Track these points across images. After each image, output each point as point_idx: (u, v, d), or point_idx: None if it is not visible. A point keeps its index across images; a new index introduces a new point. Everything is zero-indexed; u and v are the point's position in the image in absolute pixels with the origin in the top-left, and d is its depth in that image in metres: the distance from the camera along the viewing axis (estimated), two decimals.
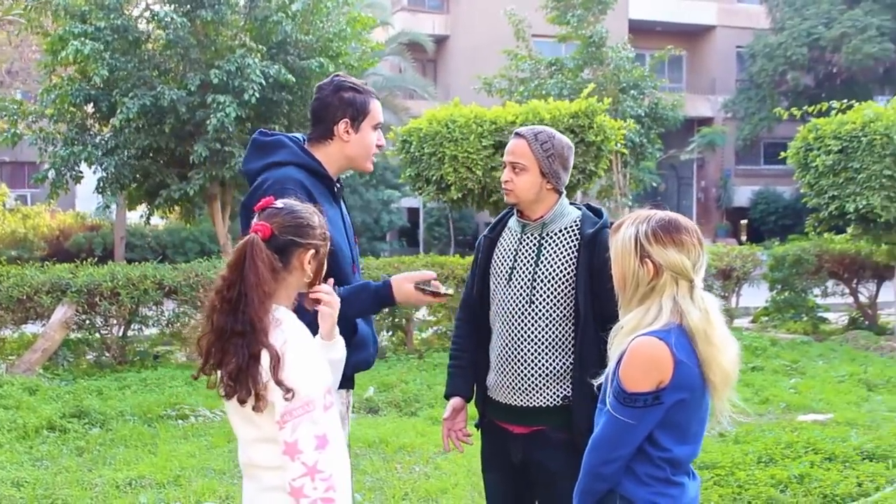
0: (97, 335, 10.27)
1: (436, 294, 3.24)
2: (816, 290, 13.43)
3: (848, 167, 11.68)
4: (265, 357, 2.42)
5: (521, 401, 3.40)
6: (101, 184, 12.85)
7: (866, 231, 12.51)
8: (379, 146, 3.41)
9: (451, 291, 3.32)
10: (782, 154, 13.31)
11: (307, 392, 2.46)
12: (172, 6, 12.12)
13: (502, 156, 10.18)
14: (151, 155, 12.76)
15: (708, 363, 2.56)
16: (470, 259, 11.87)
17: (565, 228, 3.44)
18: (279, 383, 2.41)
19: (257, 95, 11.64)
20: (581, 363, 3.30)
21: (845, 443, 6.61)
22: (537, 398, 3.38)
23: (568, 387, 3.36)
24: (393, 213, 28.74)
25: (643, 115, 18.43)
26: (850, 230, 13.40)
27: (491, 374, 3.52)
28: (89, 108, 13.05)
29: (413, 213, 31.65)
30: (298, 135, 3.42)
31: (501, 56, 20.34)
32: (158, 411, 7.97)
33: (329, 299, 2.72)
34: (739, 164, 35.85)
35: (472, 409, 3.66)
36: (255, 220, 2.58)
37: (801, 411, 7.93)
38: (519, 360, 3.39)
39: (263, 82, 11.66)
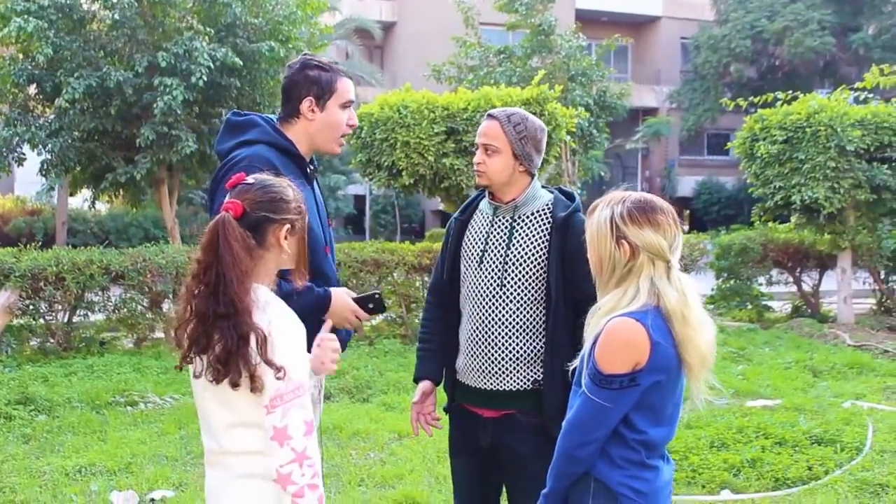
0: (41, 321, 10.03)
1: (369, 310, 3.26)
2: (761, 279, 13.62)
3: (793, 157, 11.87)
4: (254, 338, 2.36)
5: (491, 384, 3.38)
6: (45, 166, 12.57)
7: (810, 221, 12.73)
8: (350, 125, 3.35)
9: (387, 305, 3.33)
10: (728, 144, 13.48)
11: (297, 376, 2.40)
12: None
13: (454, 142, 10.30)
14: (97, 137, 12.51)
15: (684, 344, 2.55)
16: (420, 245, 11.89)
17: (537, 211, 3.41)
18: (269, 363, 2.34)
19: (205, 79, 11.46)
20: (552, 347, 3.29)
21: (794, 428, 6.73)
22: (507, 382, 3.36)
23: (538, 371, 3.34)
24: (339, 200, 28.61)
25: (592, 103, 18.52)
26: (793, 220, 13.64)
27: (460, 358, 3.49)
28: (32, 90, 12.76)
29: (359, 200, 31.52)
30: (272, 115, 3.36)
31: (449, 43, 20.28)
32: (107, 398, 7.83)
33: (333, 367, 2.77)
34: (683, 154, 36.28)
35: (440, 392, 3.64)
36: (226, 198, 2.49)
37: (749, 397, 8.04)
38: (489, 344, 3.37)
39: (211, 65, 11.49)
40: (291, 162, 3.19)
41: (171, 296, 10.35)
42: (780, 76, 30.49)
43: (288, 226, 2.51)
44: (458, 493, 3.63)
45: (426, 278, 11.54)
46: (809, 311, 13.42)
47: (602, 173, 23.53)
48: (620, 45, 22.83)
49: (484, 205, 3.53)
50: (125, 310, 10.22)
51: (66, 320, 10.14)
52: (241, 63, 11.84)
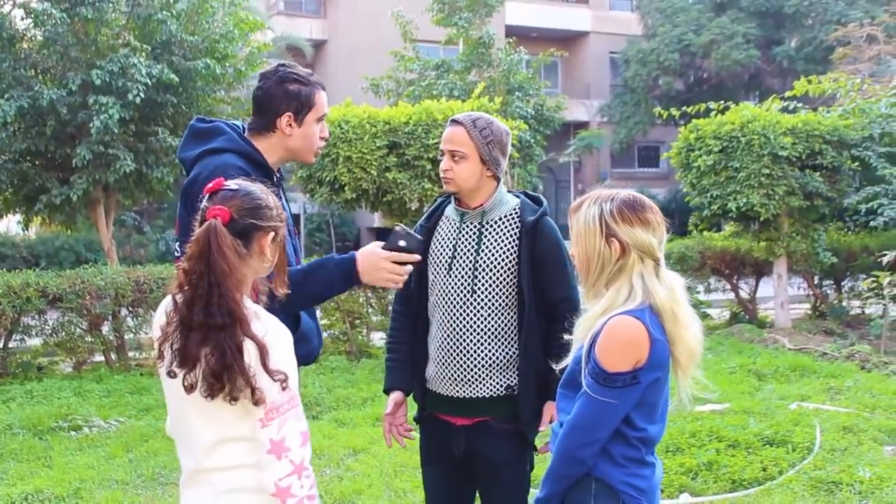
0: None
1: (406, 250, 2.99)
2: (699, 287, 13.78)
3: (728, 166, 12.06)
4: (249, 348, 2.28)
5: (464, 392, 3.35)
6: None
7: (746, 228, 12.96)
8: (322, 138, 3.26)
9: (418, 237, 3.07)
10: (664, 155, 13.66)
11: (292, 385, 2.34)
12: (49, 2, 11.61)
13: (397, 156, 10.26)
14: (29, 158, 12.23)
15: (674, 341, 2.56)
16: None
17: (506, 216, 3.38)
18: (271, 373, 2.27)
19: (142, 96, 11.28)
20: (525, 352, 3.28)
21: (746, 430, 6.82)
22: (480, 388, 3.33)
23: (512, 376, 3.32)
24: None
25: (530, 116, 18.66)
26: (727, 228, 13.87)
27: (430, 366, 3.45)
28: None
29: (294, 219, 31.22)
30: (238, 122, 3.27)
31: (380, 60, 20.31)
32: (49, 423, 7.64)
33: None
34: (615, 167, 36.67)
35: (411, 403, 3.60)
36: (205, 203, 2.40)
37: (698, 402, 8.06)
38: (461, 351, 3.34)
39: (148, 83, 11.31)
40: (259, 172, 3.06)
41: (110, 318, 10.15)
42: (707, 88, 31.01)
43: (272, 233, 2.43)
44: (430, 502, 3.58)
45: (370, 294, 11.48)
46: (747, 317, 13.62)
47: (540, 185, 23.67)
48: (552, 60, 23.05)
49: (450, 211, 3.50)
50: (63, 333, 9.97)
51: (1, 346, 9.85)
52: (178, 80, 11.67)
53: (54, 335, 10.00)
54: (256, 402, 2.28)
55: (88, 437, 7.39)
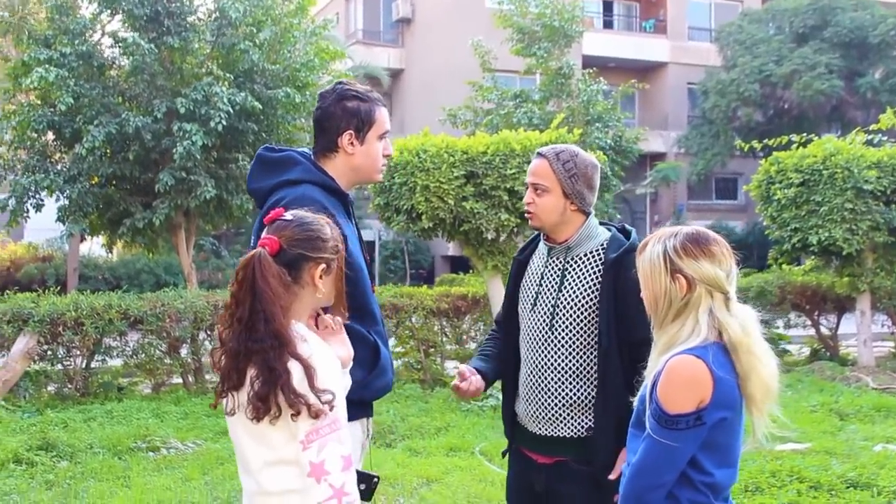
0: (58, 366, 9.96)
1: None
2: (779, 322, 13.52)
3: (810, 200, 11.83)
4: (294, 370, 2.31)
5: (545, 430, 3.30)
6: (63, 212, 12.58)
7: (827, 263, 12.67)
8: (386, 155, 3.22)
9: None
10: (745, 187, 13.45)
11: (336, 409, 2.34)
12: (137, 32, 11.94)
13: (474, 186, 10.25)
14: (114, 183, 12.56)
15: (748, 376, 2.48)
16: (438, 290, 11.92)
17: (591, 252, 3.30)
18: (319, 392, 2.29)
19: (224, 124, 11.50)
20: (604, 393, 3.18)
21: (828, 471, 6.62)
22: (559, 428, 3.27)
23: (592, 418, 3.24)
24: None
25: (608, 147, 18.59)
26: (807, 263, 13.58)
27: (520, 403, 3.41)
28: (50, 136, 12.82)
29: (368, 246, 31.42)
30: (305, 149, 3.24)
31: (455, 90, 20.43)
32: (128, 443, 7.76)
33: (335, 325, 2.63)
34: (692, 198, 36.22)
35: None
36: (263, 234, 2.46)
37: (777, 441, 7.91)
38: (542, 389, 3.29)
39: (230, 110, 11.54)
40: (335, 199, 3.04)
41: (189, 341, 10.32)
42: (788, 120, 30.53)
43: (323, 265, 2.46)
44: None
45: (444, 322, 11.50)
46: (828, 354, 13.31)
47: (619, 216, 23.50)
48: (629, 93, 23.01)
49: (541, 245, 3.45)
50: (143, 355, 10.17)
51: (84, 366, 10.08)
52: (261, 107, 11.89)
53: (134, 356, 10.22)
54: (316, 415, 2.29)
55: (166, 459, 7.49)
